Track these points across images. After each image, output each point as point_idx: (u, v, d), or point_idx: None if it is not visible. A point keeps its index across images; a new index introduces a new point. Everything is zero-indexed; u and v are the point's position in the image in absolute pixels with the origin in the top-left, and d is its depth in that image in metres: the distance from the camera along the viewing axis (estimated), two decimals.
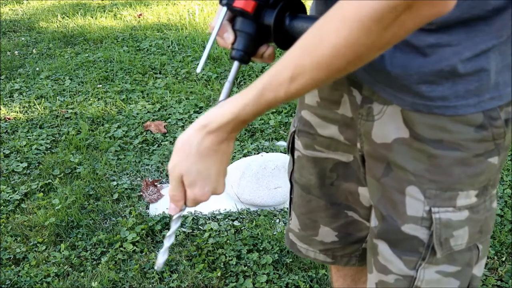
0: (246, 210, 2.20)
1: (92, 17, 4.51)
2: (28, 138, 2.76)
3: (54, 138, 2.76)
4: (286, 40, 0.83)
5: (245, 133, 2.75)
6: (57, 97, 3.17)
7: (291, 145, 1.08)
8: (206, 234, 2.05)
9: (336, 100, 0.95)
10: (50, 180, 2.41)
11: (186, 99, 3.10)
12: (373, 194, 0.94)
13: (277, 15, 0.81)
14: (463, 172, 0.84)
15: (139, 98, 3.15)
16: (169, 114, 2.95)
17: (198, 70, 0.92)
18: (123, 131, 2.79)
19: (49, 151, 2.66)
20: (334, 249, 1.11)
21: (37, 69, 3.56)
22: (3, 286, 1.87)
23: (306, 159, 1.05)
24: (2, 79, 3.44)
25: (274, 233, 2.06)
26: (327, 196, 1.06)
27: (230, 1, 0.82)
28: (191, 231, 2.10)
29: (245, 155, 2.55)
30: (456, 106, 0.79)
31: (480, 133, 0.81)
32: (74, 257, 1.98)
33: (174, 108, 3.01)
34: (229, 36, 0.86)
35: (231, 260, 1.93)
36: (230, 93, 0.89)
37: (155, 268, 0.90)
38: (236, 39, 0.87)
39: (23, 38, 4.16)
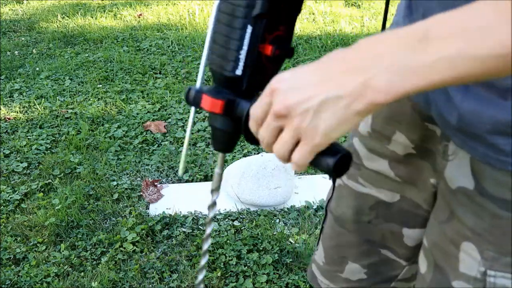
0: (246, 210, 2.20)
1: (92, 17, 4.51)
2: (28, 138, 2.75)
3: (54, 138, 2.76)
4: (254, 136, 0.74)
5: None
6: (57, 97, 3.17)
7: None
8: None
9: (387, 135, 0.89)
10: (50, 180, 2.41)
11: None
12: (430, 236, 0.87)
13: (249, 111, 0.72)
14: None
15: (139, 98, 3.15)
16: (169, 114, 2.95)
17: (180, 173, 0.88)
18: (123, 131, 2.79)
19: (49, 151, 2.66)
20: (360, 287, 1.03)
21: (37, 69, 3.56)
22: (3, 286, 1.87)
23: (346, 190, 0.98)
24: (2, 79, 3.44)
25: (274, 233, 2.06)
26: (361, 232, 0.99)
27: (197, 102, 0.75)
28: (191, 231, 2.10)
29: (245, 155, 2.55)
30: None
31: None
32: (74, 257, 1.98)
33: (174, 108, 3.01)
34: None
35: (231, 260, 1.93)
36: (220, 183, 0.86)
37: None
38: (212, 136, 0.81)
39: (23, 38, 4.16)
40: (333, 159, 0.67)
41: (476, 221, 0.77)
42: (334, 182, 1.01)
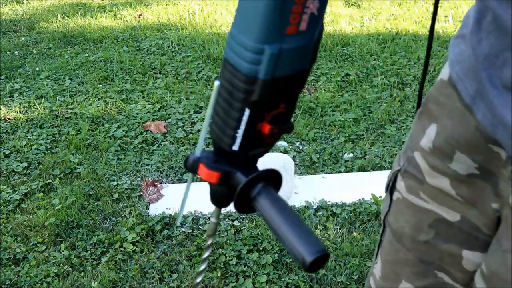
0: None
1: (92, 17, 4.51)
2: (28, 138, 2.75)
3: (54, 138, 2.76)
4: (246, 206, 0.76)
5: None
6: (57, 97, 3.17)
7: (392, 184, 0.97)
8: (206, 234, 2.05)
9: (448, 154, 0.84)
10: (50, 180, 2.41)
11: (186, 99, 3.10)
12: (490, 263, 0.85)
13: (244, 186, 0.74)
14: None
15: (139, 98, 3.15)
16: (169, 114, 2.95)
17: (178, 223, 0.91)
18: (123, 131, 2.79)
19: (49, 151, 2.66)
20: None
21: (37, 69, 3.56)
22: (3, 286, 1.87)
23: (405, 204, 0.94)
24: (2, 79, 3.44)
25: None
26: (417, 251, 0.95)
27: (194, 170, 0.78)
28: (191, 231, 2.10)
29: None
30: None
31: None
32: (74, 257, 1.98)
33: (174, 108, 3.01)
34: None
35: (231, 260, 1.93)
36: (216, 231, 0.87)
37: None
38: (211, 192, 0.83)
39: (23, 38, 4.16)
40: (311, 256, 0.67)
41: None
42: (391, 195, 0.98)
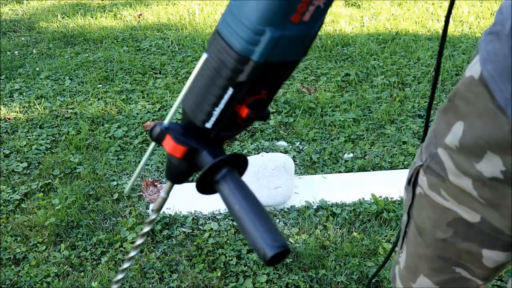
0: None
1: (92, 17, 4.51)
2: (28, 138, 2.75)
3: (54, 138, 2.76)
4: (207, 188, 0.75)
5: (245, 133, 2.75)
6: (57, 97, 3.17)
7: (414, 179, 0.97)
8: (206, 234, 2.05)
9: (478, 154, 0.82)
10: (50, 180, 2.41)
11: None
12: None
13: (210, 167, 0.72)
14: None
15: (139, 98, 3.15)
16: None
17: (126, 191, 0.88)
18: (123, 131, 2.79)
19: (49, 151, 2.66)
20: None
21: (37, 69, 3.56)
22: (3, 286, 1.87)
23: (427, 200, 0.94)
24: (2, 79, 3.44)
25: None
26: (435, 248, 0.95)
27: (159, 140, 0.76)
28: (191, 231, 2.10)
29: (245, 155, 2.55)
30: None
31: None
32: (74, 257, 1.98)
33: None
34: None
35: (231, 260, 1.93)
36: (162, 206, 0.86)
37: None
38: (166, 165, 0.81)
39: (23, 38, 4.16)
40: (272, 251, 0.66)
41: None
42: (413, 189, 0.98)
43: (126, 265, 0.88)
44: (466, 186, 0.86)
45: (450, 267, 0.96)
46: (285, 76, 0.72)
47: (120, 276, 0.90)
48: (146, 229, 0.86)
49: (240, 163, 0.76)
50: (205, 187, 0.75)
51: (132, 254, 0.88)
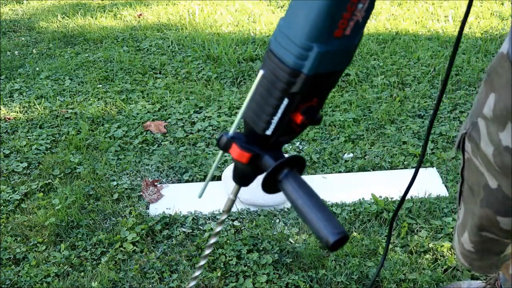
0: (246, 210, 2.20)
1: (92, 17, 4.51)
2: (28, 138, 2.75)
3: (54, 138, 2.76)
4: (272, 187, 0.85)
5: None
6: (57, 97, 3.17)
7: (462, 145, 1.08)
8: (206, 234, 2.05)
9: (502, 123, 0.90)
10: (50, 180, 2.41)
11: (186, 99, 3.10)
12: None
13: (273, 169, 0.83)
14: None
15: (139, 98, 3.15)
16: (169, 114, 2.95)
17: (199, 195, 1.01)
18: (123, 131, 2.79)
19: (49, 151, 2.66)
20: (472, 258, 1.11)
21: (37, 69, 3.56)
22: (3, 286, 1.87)
23: (472, 164, 1.04)
24: (2, 79, 3.44)
25: (274, 233, 2.06)
26: (473, 207, 1.06)
27: (226, 148, 0.86)
28: (191, 231, 2.10)
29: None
30: None
31: None
32: (74, 257, 1.98)
33: (174, 108, 3.01)
34: None
35: (231, 260, 1.93)
36: (231, 207, 0.97)
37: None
38: (233, 170, 0.93)
39: (23, 38, 4.16)
40: (334, 237, 0.76)
41: None
42: (463, 154, 1.08)
43: (202, 262, 1.04)
44: (488, 154, 0.95)
45: (478, 232, 1.08)
46: (333, 84, 0.82)
47: (197, 273, 1.04)
48: (218, 229, 0.99)
49: (298, 163, 0.85)
50: (270, 187, 0.85)
51: (207, 252, 1.02)
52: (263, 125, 0.82)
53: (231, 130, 0.86)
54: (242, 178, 0.93)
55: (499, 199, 0.98)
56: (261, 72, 0.80)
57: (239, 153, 0.85)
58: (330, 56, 0.76)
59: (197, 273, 1.02)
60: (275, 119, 0.81)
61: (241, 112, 0.84)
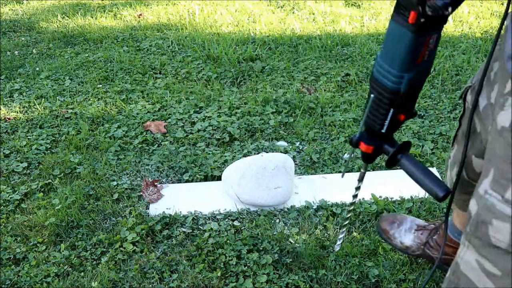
0: (246, 210, 2.20)
1: (92, 17, 4.51)
2: (28, 138, 2.76)
3: (54, 138, 2.76)
4: (392, 163, 1.27)
5: (245, 133, 2.75)
6: (57, 97, 3.17)
7: (464, 96, 1.35)
8: (206, 234, 2.05)
9: (494, 82, 1.11)
10: (50, 180, 2.41)
11: (186, 99, 3.10)
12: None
13: (393, 153, 1.25)
14: None
15: (139, 98, 3.15)
16: (169, 114, 2.95)
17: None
18: (123, 131, 2.79)
19: (49, 151, 2.66)
20: (454, 190, 1.26)
21: (37, 69, 3.56)
22: (3, 286, 1.87)
23: (468, 112, 1.27)
24: (2, 79, 3.44)
25: (274, 233, 2.06)
26: (461, 146, 1.38)
27: (357, 145, 1.28)
28: (191, 231, 2.10)
29: (245, 155, 2.55)
30: None
31: None
32: (74, 257, 1.98)
33: (174, 108, 3.01)
34: None
35: (231, 260, 1.93)
36: (363, 177, 1.48)
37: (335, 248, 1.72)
38: (361, 155, 1.33)
39: (23, 38, 4.16)
40: (442, 192, 1.18)
41: (502, 150, 0.95)
42: (464, 103, 1.36)
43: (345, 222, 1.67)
44: (481, 106, 1.17)
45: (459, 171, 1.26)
46: (421, 88, 1.18)
47: (342, 235, 1.69)
48: (357, 192, 1.55)
49: (407, 146, 1.27)
50: (390, 163, 1.27)
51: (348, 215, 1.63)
52: (379, 126, 1.21)
53: (358, 133, 1.27)
54: (368, 160, 1.32)
55: (477, 141, 1.23)
56: (371, 96, 1.18)
57: (366, 148, 1.27)
58: (417, 77, 1.13)
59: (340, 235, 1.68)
60: (386, 122, 1.20)
61: (362, 121, 1.24)
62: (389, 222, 1.93)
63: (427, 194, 2.25)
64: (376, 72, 1.15)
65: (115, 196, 2.30)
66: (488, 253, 0.91)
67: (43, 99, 3.14)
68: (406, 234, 1.87)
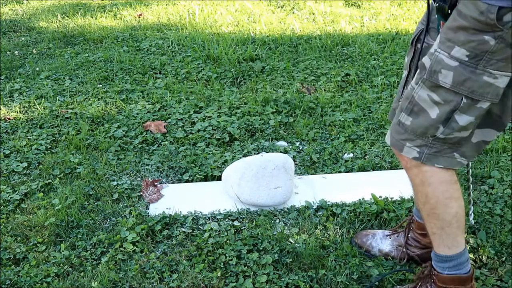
0: (246, 210, 2.20)
1: (92, 17, 4.51)
2: (28, 138, 2.76)
3: (54, 138, 2.76)
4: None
5: (245, 133, 2.75)
6: (57, 97, 3.17)
7: (416, 39, 1.59)
8: (206, 234, 2.05)
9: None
10: (50, 180, 2.41)
11: (186, 99, 3.10)
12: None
13: None
14: (463, 35, 1.33)
15: (139, 98, 3.15)
16: (169, 114, 2.95)
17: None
18: (123, 131, 2.79)
19: (49, 151, 2.66)
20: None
21: (37, 69, 3.56)
22: (3, 286, 1.87)
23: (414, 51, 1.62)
24: (2, 79, 3.44)
25: (274, 233, 2.06)
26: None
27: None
28: (191, 231, 2.10)
29: (245, 155, 2.55)
30: None
31: (480, 16, 1.29)
32: (74, 257, 1.98)
33: (174, 108, 3.01)
34: None
35: (231, 260, 1.93)
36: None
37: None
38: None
39: (23, 38, 4.16)
40: None
41: (448, 23, 1.39)
42: (414, 46, 1.64)
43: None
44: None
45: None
46: None
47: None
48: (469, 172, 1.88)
49: None
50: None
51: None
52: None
53: None
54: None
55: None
56: None
57: None
58: None
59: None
60: None
61: None
62: (362, 236, 1.99)
63: None
64: None
65: (115, 196, 2.30)
66: (435, 90, 1.40)
67: (43, 99, 3.14)
68: (383, 241, 1.94)
